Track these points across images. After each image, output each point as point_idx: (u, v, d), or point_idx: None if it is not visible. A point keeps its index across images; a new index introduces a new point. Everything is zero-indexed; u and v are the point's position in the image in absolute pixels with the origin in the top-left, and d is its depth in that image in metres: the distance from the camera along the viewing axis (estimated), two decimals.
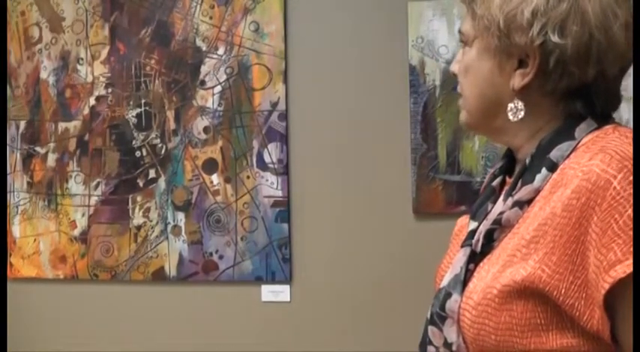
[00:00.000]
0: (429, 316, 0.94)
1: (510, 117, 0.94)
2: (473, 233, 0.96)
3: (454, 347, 0.89)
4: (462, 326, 0.89)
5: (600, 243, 0.79)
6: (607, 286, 0.78)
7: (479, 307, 0.87)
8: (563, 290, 0.82)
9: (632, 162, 0.80)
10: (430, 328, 0.93)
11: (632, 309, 0.79)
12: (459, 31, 1.00)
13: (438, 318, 0.91)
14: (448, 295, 0.91)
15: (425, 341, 0.94)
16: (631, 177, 0.79)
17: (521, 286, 0.84)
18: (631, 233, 0.78)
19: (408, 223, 2.20)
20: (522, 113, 0.93)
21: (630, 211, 0.78)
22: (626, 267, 0.77)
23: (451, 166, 2.15)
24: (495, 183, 1.02)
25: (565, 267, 0.82)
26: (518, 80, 0.92)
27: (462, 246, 0.96)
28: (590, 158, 0.84)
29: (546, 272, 0.82)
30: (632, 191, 0.79)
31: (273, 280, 2.28)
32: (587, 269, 0.81)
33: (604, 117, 0.92)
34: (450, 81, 2.15)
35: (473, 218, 1.00)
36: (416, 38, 2.17)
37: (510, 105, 0.94)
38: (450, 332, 0.90)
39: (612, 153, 0.82)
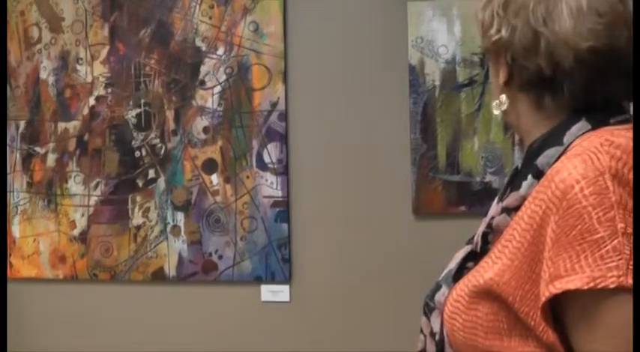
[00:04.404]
0: (422, 306, 0.98)
1: (494, 111, 0.97)
2: None
3: (437, 337, 0.92)
4: (443, 318, 0.92)
5: (548, 254, 0.78)
6: (543, 299, 0.78)
7: (454, 303, 0.90)
8: (518, 298, 0.81)
9: (599, 171, 0.77)
10: (422, 317, 0.97)
11: (577, 324, 0.77)
12: None
13: (428, 308, 0.95)
14: (438, 287, 0.94)
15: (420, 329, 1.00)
16: (591, 188, 0.76)
17: (484, 288, 0.85)
18: (578, 248, 0.75)
19: (407, 223, 2.20)
20: (504, 106, 0.96)
21: (581, 226, 0.75)
22: (564, 284, 0.75)
23: (451, 166, 2.15)
24: (505, 181, 1.03)
25: (522, 275, 0.81)
26: (500, 76, 0.95)
27: (466, 244, 0.99)
28: (566, 163, 0.81)
29: (504, 278, 0.82)
30: (586, 203, 0.76)
31: (272, 280, 2.28)
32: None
33: (601, 117, 0.88)
34: (449, 81, 2.15)
35: (486, 215, 1.00)
36: (415, 38, 2.17)
37: (496, 100, 0.97)
38: (436, 323, 0.93)
39: (587, 158, 0.79)
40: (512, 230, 0.85)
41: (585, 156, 0.79)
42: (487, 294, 0.84)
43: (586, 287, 0.74)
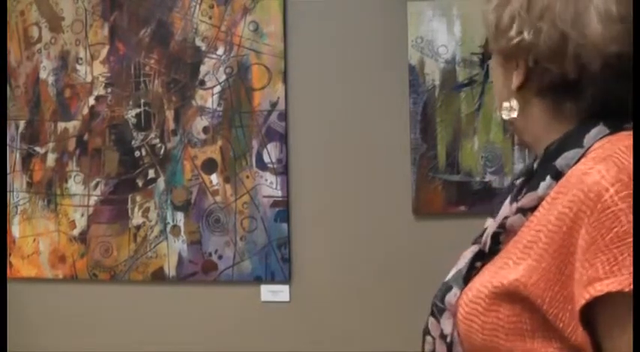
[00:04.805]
0: (430, 307, 0.96)
1: (503, 116, 0.96)
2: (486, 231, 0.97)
3: (448, 339, 0.91)
4: (457, 320, 0.90)
5: (584, 257, 0.78)
6: (583, 302, 0.77)
7: (470, 304, 0.88)
8: (547, 300, 0.81)
9: (631, 176, 0.78)
10: (430, 319, 0.95)
11: (612, 327, 0.78)
12: None
13: (437, 310, 0.93)
14: (449, 288, 0.93)
15: (426, 331, 0.97)
16: (625, 191, 0.77)
17: (508, 289, 0.84)
18: (616, 251, 0.76)
19: (407, 223, 2.20)
20: (515, 112, 0.95)
21: (618, 228, 0.76)
22: (604, 286, 0.76)
23: (451, 166, 2.15)
24: (519, 181, 1.01)
25: (551, 277, 0.81)
26: (515, 80, 0.94)
27: (473, 243, 0.98)
28: (593, 165, 0.82)
29: (532, 279, 0.82)
30: (623, 206, 0.77)
31: (272, 280, 2.28)
32: (574, 281, 0.80)
33: (617, 123, 0.89)
34: (449, 81, 2.15)
35: (491, 215, 1.00)
36: (415, 38, 2.17)
37: (505, 104, 0.96)
38: (447, 325, 0.91)
39: (617, 161, 0.80)
40: (537, 232, 0.84)
41: (615, 159, 0.80)
42: (509, 295, 0.84)
43: (627, 290, 0.75)
